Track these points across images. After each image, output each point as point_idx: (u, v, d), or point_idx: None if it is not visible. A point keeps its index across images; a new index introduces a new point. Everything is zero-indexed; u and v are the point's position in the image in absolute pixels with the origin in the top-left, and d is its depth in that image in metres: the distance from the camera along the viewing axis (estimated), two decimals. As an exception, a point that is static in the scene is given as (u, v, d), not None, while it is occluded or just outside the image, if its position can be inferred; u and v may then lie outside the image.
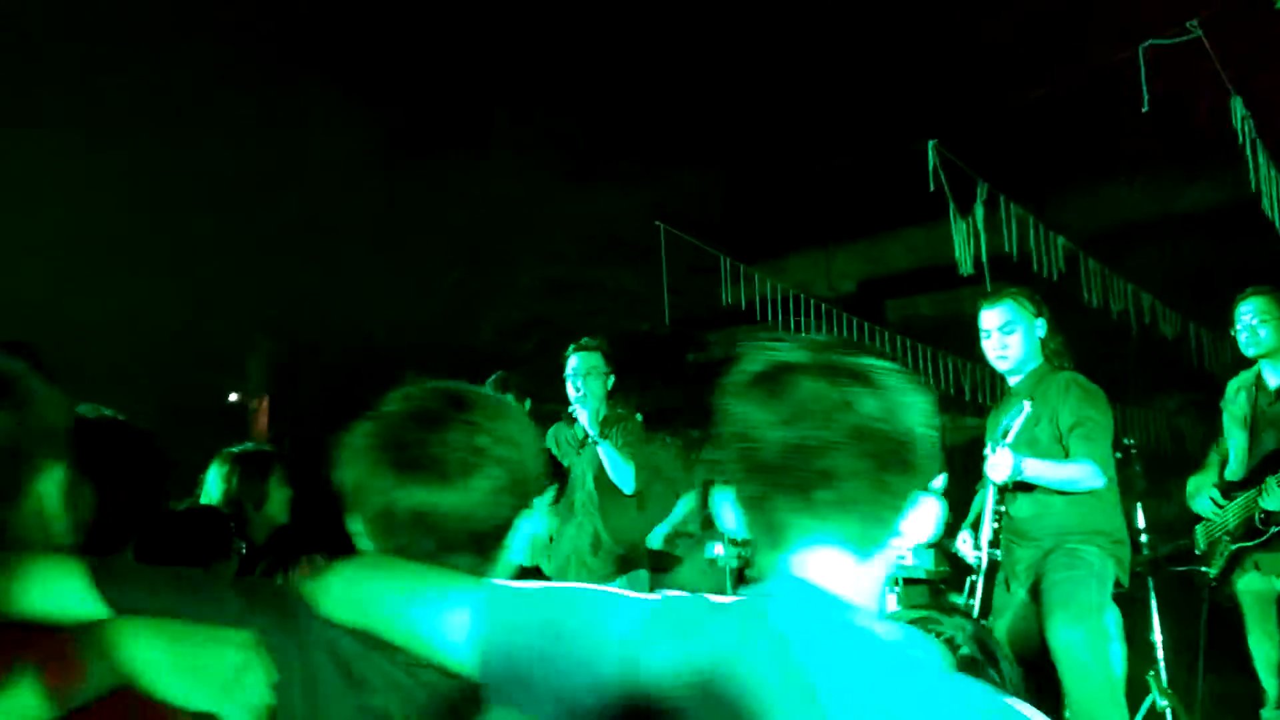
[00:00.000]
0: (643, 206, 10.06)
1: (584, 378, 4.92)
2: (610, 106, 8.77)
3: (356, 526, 1.39)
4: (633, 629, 1.13)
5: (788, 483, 1.11)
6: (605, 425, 4.89)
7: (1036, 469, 3.68)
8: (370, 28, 7.62)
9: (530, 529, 1.41)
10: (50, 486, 1.39)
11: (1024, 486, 3.80)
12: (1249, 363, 4.40)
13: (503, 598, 1.21)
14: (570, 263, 10.71)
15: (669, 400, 10.10)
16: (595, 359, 4.98)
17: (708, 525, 5.25)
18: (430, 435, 1.34)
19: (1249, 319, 4.25)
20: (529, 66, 8.26)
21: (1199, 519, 4.49)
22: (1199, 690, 4.61)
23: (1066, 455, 3.72)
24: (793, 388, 1.11)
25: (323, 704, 1.23)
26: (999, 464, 3.69)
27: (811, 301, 8.80)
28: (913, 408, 1.13)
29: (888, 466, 1.10)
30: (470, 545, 1.31)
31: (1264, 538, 4.06)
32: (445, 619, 1.19)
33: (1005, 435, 3.75)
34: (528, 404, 5.99)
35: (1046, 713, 3.67)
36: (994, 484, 3.86)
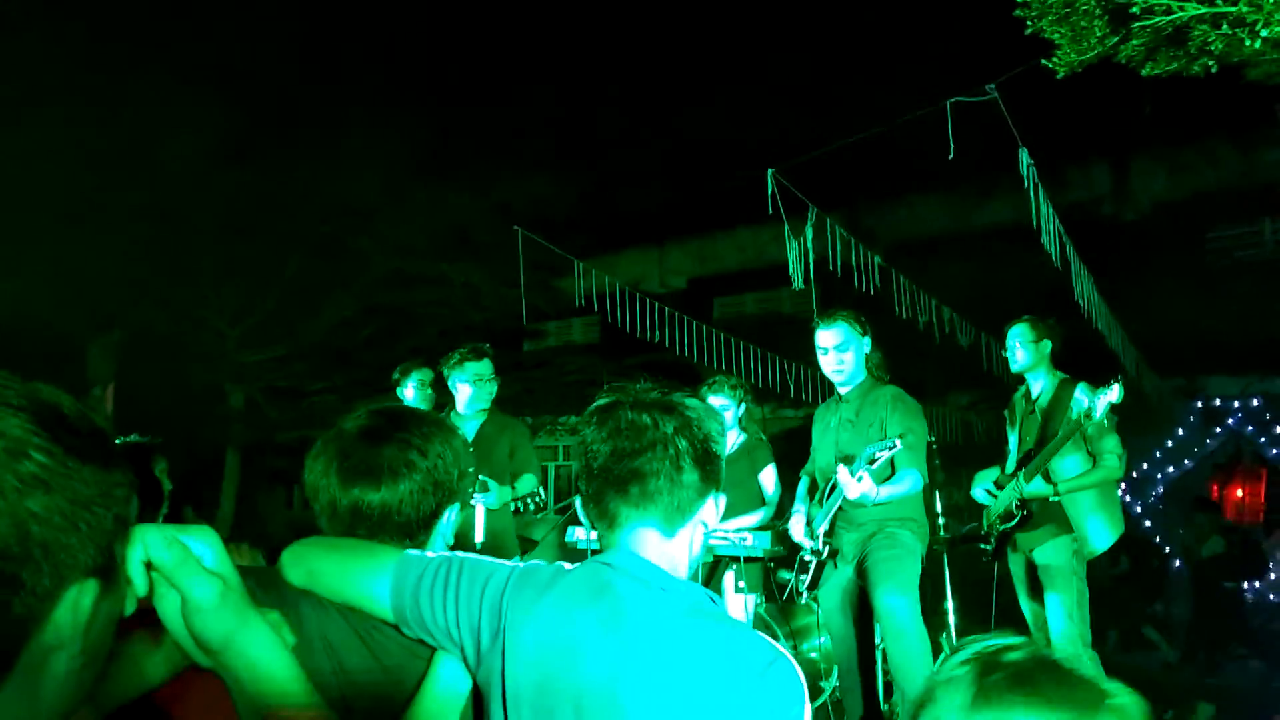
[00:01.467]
0: (487, 205, 10.35)
1: (483, 383, 5.11)
2: (460, 108, 9.03)
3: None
4: (500, 583, 1.57)
5: (612, 480, 1.56)
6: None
7: (885, 493, 4.23)
8: (226, 18, 7.59)
9: (452, 517, 1.81)
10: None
11: None
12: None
13: (408, 560, 1.58)
14: (418, 256, 10.82)
15: (509, 389, 10.33)
16: (486, 366, 5.17)
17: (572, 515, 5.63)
18: (370, 449, 1.67)
19: (1012, 343, 5.09)
20: (385, 66, 8.41)
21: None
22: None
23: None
24: (617, 415, 1.57)
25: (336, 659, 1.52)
26: (860, 489, 4.13)
27: (646, 300, 9.01)
28: (703, 428, 1.59)
29: (681, 469, 1.54)
30: (396, 531, 1.66)
31: (1016, 520, 4.91)
32: (373, 580, 1.56)
33: (872, 463, 4.18)
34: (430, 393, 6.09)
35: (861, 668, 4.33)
36: (843, 494, 4.31)
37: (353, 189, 9.47)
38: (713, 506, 1.62)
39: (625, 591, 1.52)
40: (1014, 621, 5.15)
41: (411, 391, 5.51)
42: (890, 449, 4.17)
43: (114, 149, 7.84)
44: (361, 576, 1.57)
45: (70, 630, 0.78)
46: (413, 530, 1.69)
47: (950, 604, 5.59)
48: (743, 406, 5.62)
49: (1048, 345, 4.99)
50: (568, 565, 1.63)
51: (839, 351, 4.48)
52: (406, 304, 11.43)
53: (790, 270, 6.30)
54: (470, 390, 5.17)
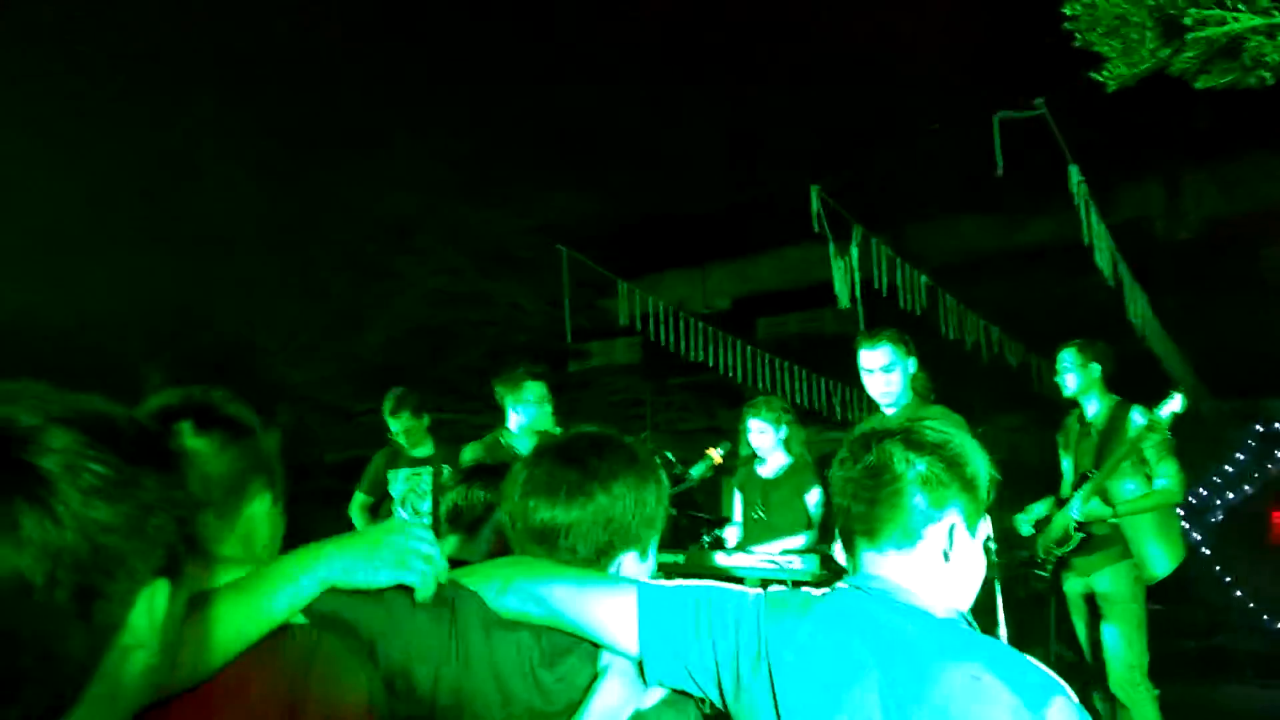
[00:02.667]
0: (530, 225, 10.41)
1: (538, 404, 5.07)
2: (504, 129, 9.08)
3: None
4: (752, 610, 1.53)
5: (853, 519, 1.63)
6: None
7: None
8: (271, 39, 7.70)
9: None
10: (260, 509, 1.49)
11: None
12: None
13: (650, 592, 1.55)
14: (461, 275, 10.91)
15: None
16: (543, 389, 5.11)
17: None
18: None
19: (1062, 369, 4.99)
20: (428, 87, 8.49)
21: (1040, 527, 5.22)
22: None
23: None
24: (876, 450, 1.60)
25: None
26: None
27: (690, 320, 9.00)
28: (946, 448, 1.62)
29: (928, 493, 1.59)
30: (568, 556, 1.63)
31: (1073, 544, 4.79)
32: (613, 610, 1.51)
33: None
34: (426, 419, 6.14)
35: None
36: None
37: (398, 207, 9.57)
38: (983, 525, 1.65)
39: (889, 622, 1.50)
40: (1070, 648, 5.02)
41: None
42: None
43: (164, 172, 7.99)
44: (599, 605, 1.53)
45: (147, 630, 0.81)
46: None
47: (1003, 631, 5.47)
48: (785, 429, 5.55)
49: (1097, 368, 4.89)
50: (814, 591, 1.62)
51: (885, 372, 4.42)
52: (451, 323, 11.50)
53: (836, 289, 6.25)
54: (528, 411, 5.12)
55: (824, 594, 1.59)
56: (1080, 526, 4.69)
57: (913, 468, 1.56)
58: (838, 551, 4.64)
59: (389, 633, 1.45)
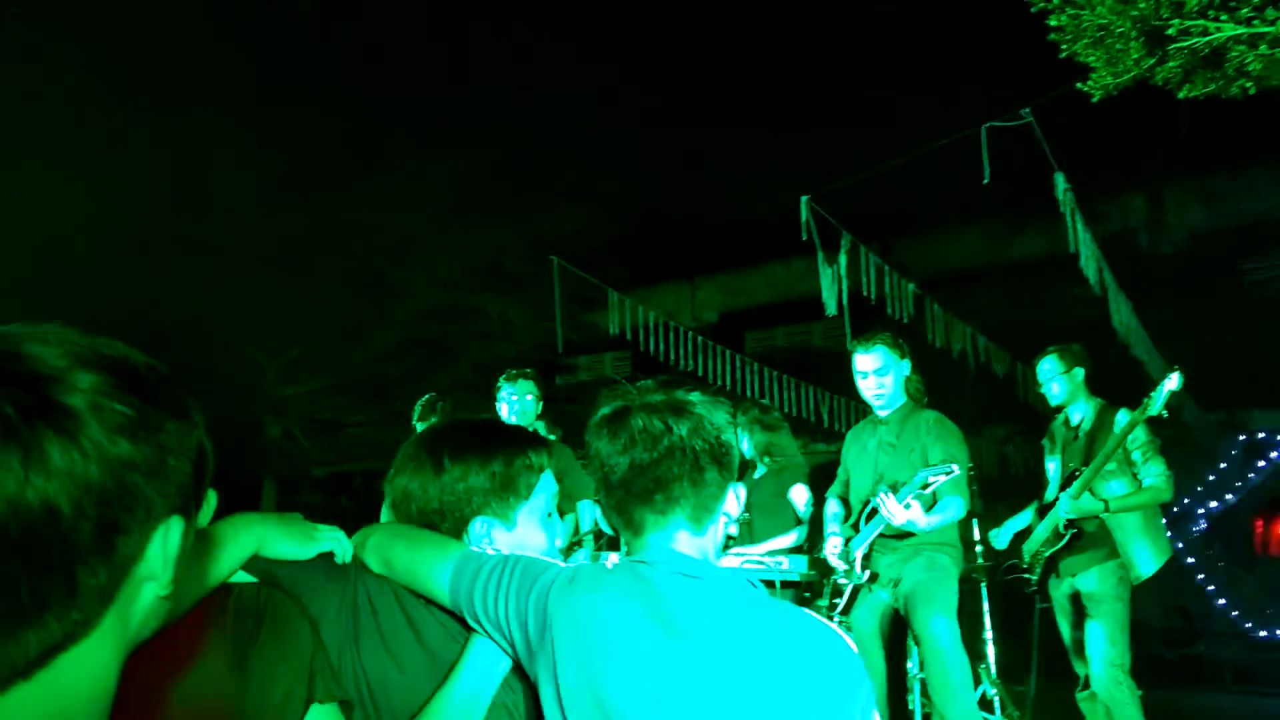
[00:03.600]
0: (523, 239, 10.46)
1: (520, 401, 5.15)
2: (499, 148, 9.16)
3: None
4: (549, 582, 1.60)
5: (635, 492, 1.58)
6: None
7: (932, 521, 4.15)
8: (276, 59, 7.76)
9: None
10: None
11: None
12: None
13: (470, 555, 1.66)
14: (455, 289, 10.93)
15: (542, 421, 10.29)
16: (529, 386, 5.19)
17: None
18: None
19: (1045, 379, 5.01)
20: (426, 106, 8.56)
21: (1021, 539, 5.25)
22: (1032, 682, 5.33)
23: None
24: (629, 424, 1.58)
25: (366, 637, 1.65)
26: (907, 516, 4.08)
27: (679, 330, 9.02)
28: (714, 422, 1.62)
29: (701, 469, 1.56)
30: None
31: (1064, 541, 4.82)
32: (439, 570, 1.64)
33: (925, 488, 4.12)
34: None
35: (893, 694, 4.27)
36: (884, 520, 4.23)
37: (393, 223, 9.61)
38: (733, 497, 1.64)
39: (664, 584, 1.54)
40: (1056, 654, 5.05)
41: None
42: (946, 474, 4.10)
43: (160, 184, 8.01)
44: (430, 565, 1.65)
45: (161, 564, 0.84)
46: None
47: (989, 635, 5.51)
48: (746, 436, 5.46)
49: (1080, 372, 4.94)
50: (610, 564, 1.68)
51: (879, 375, 4.44)
52: (443, 337, 11.52)
53: (824, 297, 6.29)
54: (506, 409, 5.21)
55: (613, 566, 1.63)
56: (1070, 524, 4.72)
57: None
58: (828, 548, 4.64)
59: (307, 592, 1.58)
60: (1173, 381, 4.33)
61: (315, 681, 1.25)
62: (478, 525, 1.76)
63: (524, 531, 1.80)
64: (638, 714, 1.44)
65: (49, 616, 0.75)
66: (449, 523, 1.76)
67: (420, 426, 6.02)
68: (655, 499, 1.58)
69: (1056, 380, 4.95)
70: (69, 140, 7.28)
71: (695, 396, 1.63)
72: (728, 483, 1.62)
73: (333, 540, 1.66)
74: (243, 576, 1.48)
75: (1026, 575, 5.11)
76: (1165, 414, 4.44)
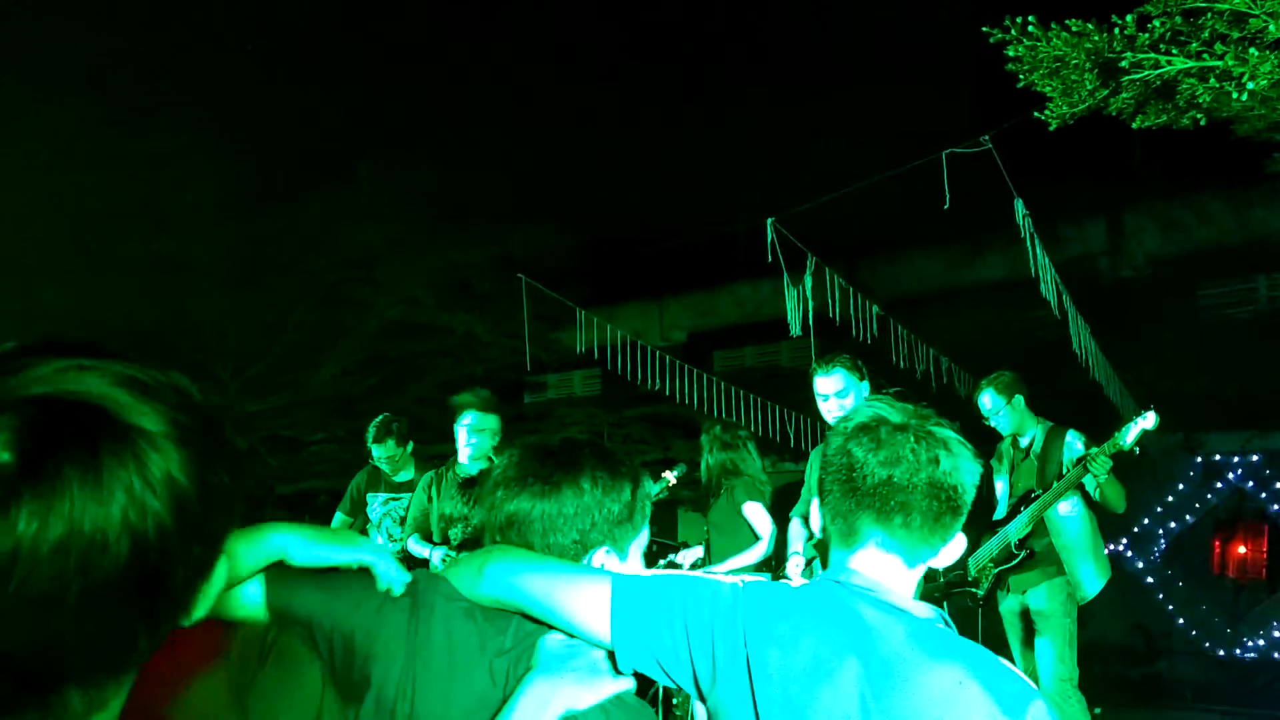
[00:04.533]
0: (489, 256, 10.47)
1: (478, 431, 4.75)
2: (465, 165, 9.17)
3: None
4: (730, 601, 1.55)
5: (876, 506, 1.57)
6: None
7: None
8: (238, 73, 7.75)
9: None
10: None
11: None
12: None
13: (625, 581, 1.58)
14: (420, 306, 10.89)
15: (511, 441, 10.24)
16: (496, 423, 4.85)
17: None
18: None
19: (990, 411, 5.07)
20: (389, 116, 8.57)
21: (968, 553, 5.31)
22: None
23: None
24: (896, 440, 1.57)
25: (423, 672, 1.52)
26: None
27: (647, 349, 8.97)
28: (970, 471, 1.60)
29: (944, 512, 1.57)
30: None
31: (1016, 560, 4.89)
32: (592, 599, 1.54)
33: None
34: (410, 445, 6.08)
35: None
36: None
37: (356, 239, 9.58)
38: (954, 545, 1.64)
39: (870, 616, 1.53)
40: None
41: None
42: None
43: (118, 199, 7.95)
44: (578, 595, 1.55)
45: (204, 600, 0.83)
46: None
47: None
48: (711, 455, 5.44)
49: (1020, 399, 5.05)
50: (793, 583, 1.65)
51: (839, 398, 4.48)
52: (408, 354, 11.48)
53: (789, 318, 6.35)
54: (465, 438, 4.85)
55: (803, 587, 1.62)
56: (1022, 544, 4.80)
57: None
58: (790, 568, 4.66)
59: (350, 622, 1.51)
60: (1148, 421, 4.36)
61: None
62: (599, 554, 1.67)
63: (632, 564, 1.73)
64: None
65: (138, 658, 0.75)
66: (572, 551, 1.65)
67: (376, 449, 5.95)
68: (894, 519, 1.57)
69: (1003, 411, 5.05)
70: (19, 153, 7.20)
71: (956, 436, 1.63)
72: (954, 529, 1.63)
73: (377, 555, 1.55)
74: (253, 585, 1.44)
75: (972, 589, 5.17)
76: (1137, 451, 4.48)
